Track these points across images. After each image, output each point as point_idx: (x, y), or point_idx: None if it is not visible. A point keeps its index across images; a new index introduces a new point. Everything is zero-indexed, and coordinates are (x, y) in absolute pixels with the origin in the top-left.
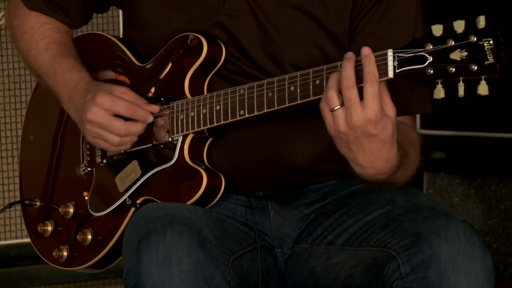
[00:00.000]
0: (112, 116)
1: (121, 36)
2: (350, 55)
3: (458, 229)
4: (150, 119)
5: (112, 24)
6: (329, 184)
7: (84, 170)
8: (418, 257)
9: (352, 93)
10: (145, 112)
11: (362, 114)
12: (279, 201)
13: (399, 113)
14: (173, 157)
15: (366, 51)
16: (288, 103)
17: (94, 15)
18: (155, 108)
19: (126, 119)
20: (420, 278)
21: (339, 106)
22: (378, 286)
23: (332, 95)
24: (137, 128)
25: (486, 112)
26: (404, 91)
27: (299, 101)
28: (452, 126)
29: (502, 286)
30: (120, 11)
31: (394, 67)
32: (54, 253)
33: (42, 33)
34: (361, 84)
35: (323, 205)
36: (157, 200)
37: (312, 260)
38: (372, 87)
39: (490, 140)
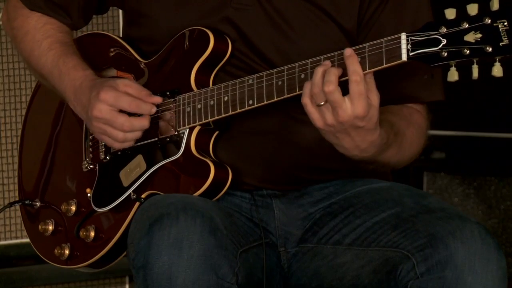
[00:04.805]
0: (116, 111)
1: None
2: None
3: (473, 230)
4: (154, 110)
5: (112, 24)
6: (334, 183)
7: (87, 168)
8: (434, 257)
9: (334, 95)
10: (149, 104)
11: (349, 111)
12: (284, 199)
13: (410, 100)
14: (179, 150)
15: (348, 51)
16: (299, 91)
17: (94, 15)
18: (158, 99)
19: (132, 114)
20: (436, 278)
21: (324, 102)
22: (389, 286)
23: (317, 91)
24: (141, 123)
25: (486, 112)
26: (415, 79)
27: None
28: (452, 126)
29: None
30: (120, 11)
31: (408, 50)
32: (55, 251)
33: (44, 33)
34: (346, 78)
35: (328, 205)
36: (162, 194)
37: (318, 260)
38: (358, 86)
39: (490, 140)
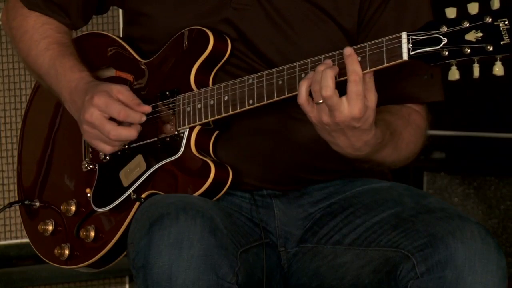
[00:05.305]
0: (106, 118)
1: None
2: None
3: (473, 230)
4: (143, 119)
5: (112, 24)
6: (333, 183)
7: (86, 168)
8: (434, 257)
9: (332, 100)
10: (138, 114)
11: (346, 112)
12: (284, 199)
13: (410, 100)
14: (179, 149)
15: (348, 51)
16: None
17: (94, 15)
18: (147, 108)
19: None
20: (436, 278)
21: (322, 101)
22: (389, 286)
23: (317, 90)
24: (129, 133)
25: (486, 112)
26: (415, 79)
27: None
28: (452, 126)
29: None
30: (120, 11)
31: (408, 49)
32: (55, 251)
33: (43, 33)
34: (345, 77)
35: (328, 205)
36: (162, 194)
37: (318, 260)
38: (356, 86)
39: (490, 140)
